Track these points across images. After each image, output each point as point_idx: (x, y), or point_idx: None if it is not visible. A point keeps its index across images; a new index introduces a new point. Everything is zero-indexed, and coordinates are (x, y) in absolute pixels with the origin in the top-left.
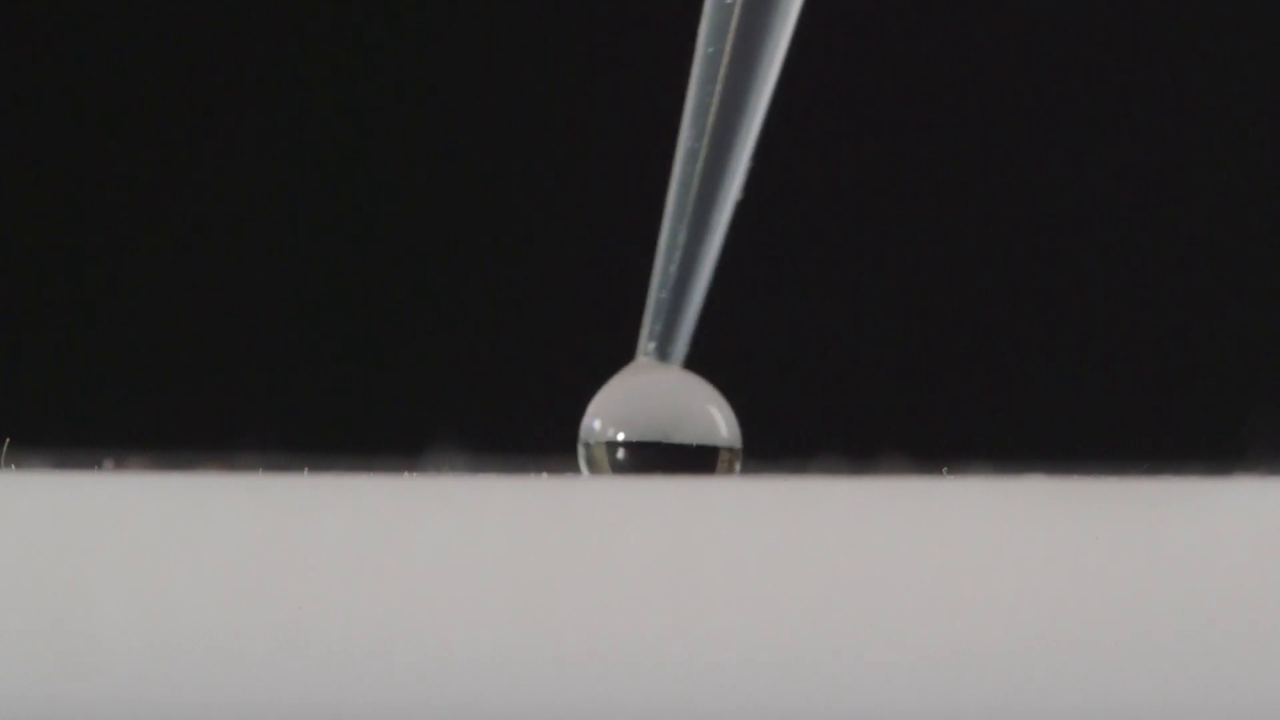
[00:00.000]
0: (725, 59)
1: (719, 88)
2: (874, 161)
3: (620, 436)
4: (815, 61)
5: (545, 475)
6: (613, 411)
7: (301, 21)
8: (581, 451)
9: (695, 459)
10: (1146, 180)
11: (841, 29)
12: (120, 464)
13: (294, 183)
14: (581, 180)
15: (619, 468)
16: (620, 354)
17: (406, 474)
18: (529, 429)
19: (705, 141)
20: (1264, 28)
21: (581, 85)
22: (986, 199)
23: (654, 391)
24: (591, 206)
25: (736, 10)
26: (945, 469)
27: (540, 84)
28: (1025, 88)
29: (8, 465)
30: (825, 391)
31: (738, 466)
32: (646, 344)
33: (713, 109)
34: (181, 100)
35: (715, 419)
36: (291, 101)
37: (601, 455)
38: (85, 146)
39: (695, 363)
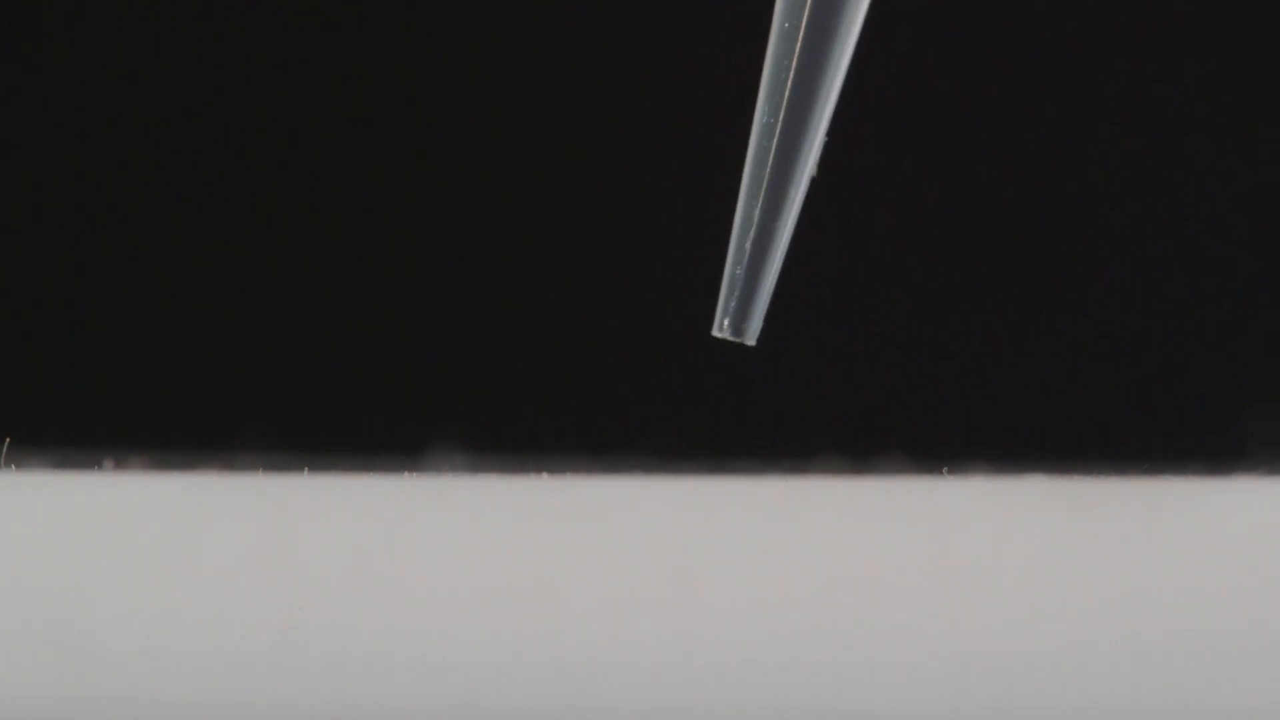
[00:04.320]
0: (801, 34)
1: (795, 63)
2: (875, 160)
3: None
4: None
5: (545, 475)
6: None
7: (302, 16)
8: None
9: None
10: (1146, 180)
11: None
12: (120, 464)
13: (294, 182)
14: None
15: None
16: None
17: (406, 474)
18: (529, 429)
19: (780, 117)
20: (1264, 28)
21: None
22: (988, 199)
23: None
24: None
25: None
26: (945, 469)
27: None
28: (1027, 87)
29: (8, 465)
30: (827, 391)
31: None
32: (721, 320)
33: (789, 85)
34: (182, 101)
35: None
36: (291, 101)
37: None
38: (86, 147)
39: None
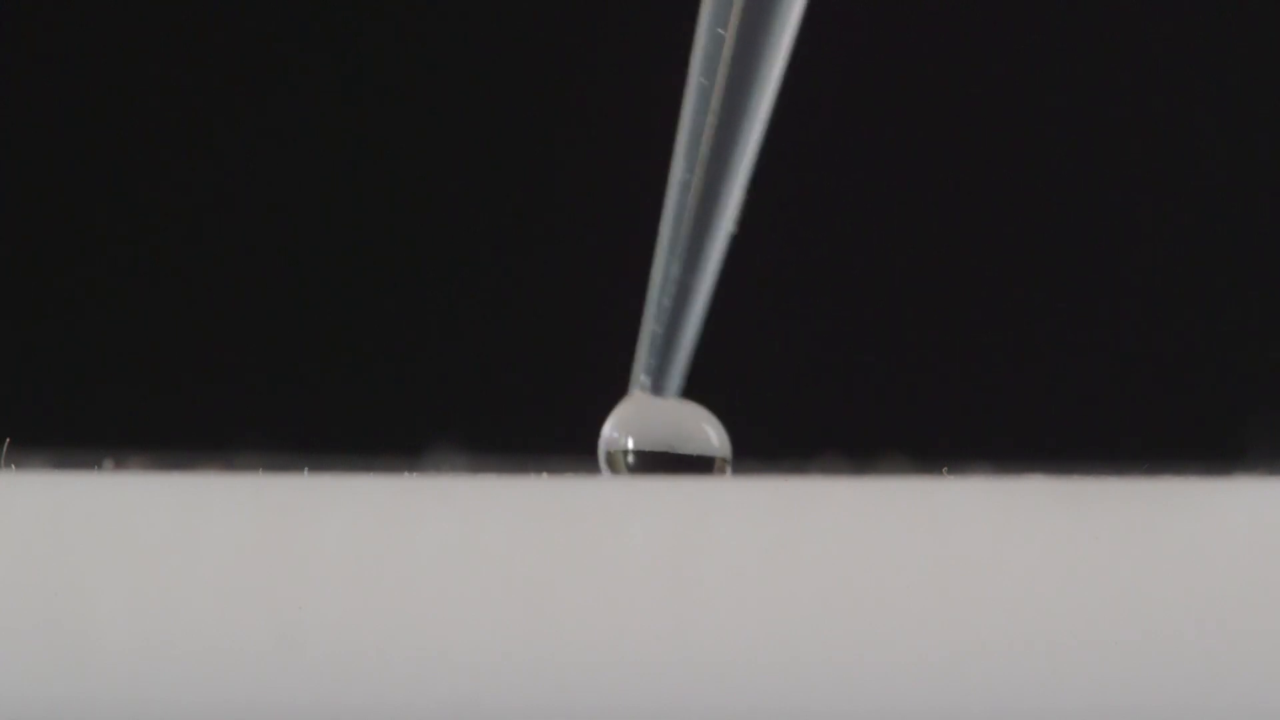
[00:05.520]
0: (718, 90)
1: (712, 119)
2: (876, 157)
3: (631, 445)
4: (808, 89)
5: (545, 475)
6: (627, 425)
7: (301, 19)
8: (603, 457)
9: (695, 465)
10: (1146, 180)
11: (834, 61)
12: (120, 464)
13: (294, 182)
14: (586, 176)
15: (633, 470)
16: (617, 364)
17: (406, 474)
18: (529, 429)
19: (698, 174)
20: (1264, 28)
21: (578, 112)
22: (986, 200)
23: (660, 413)
24: (593, 204)
25: (729, 41)
26: (945, 469)
27: (538, 109)
28: (1023, 86)
29: (8, 465)
30: (825, 391)
31: (729, 469)
32: (641, 377)
33: (705, 141)
34: (182, 100)
35: (710, 435)
36: (291, 101)
37: (619, 461)
38: (85, 146)
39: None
